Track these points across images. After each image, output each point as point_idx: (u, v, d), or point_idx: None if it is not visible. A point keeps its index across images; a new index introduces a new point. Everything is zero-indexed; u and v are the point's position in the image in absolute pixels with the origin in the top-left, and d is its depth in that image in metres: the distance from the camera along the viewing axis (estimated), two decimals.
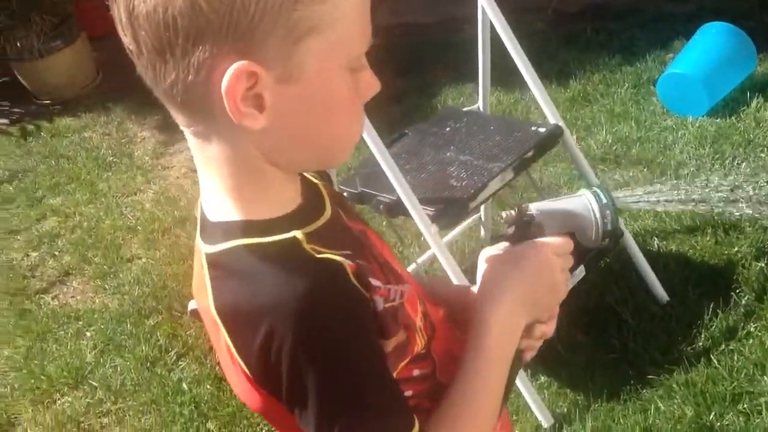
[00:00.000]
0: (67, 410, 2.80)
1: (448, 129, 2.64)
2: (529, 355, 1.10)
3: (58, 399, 2.89)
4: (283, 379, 0.82)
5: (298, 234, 0.86)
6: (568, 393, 2.41)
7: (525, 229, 1.05)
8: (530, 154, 2.41)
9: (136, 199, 3.93)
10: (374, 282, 0.89)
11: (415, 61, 4.44)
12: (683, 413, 2.28)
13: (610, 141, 3.50)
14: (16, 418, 2.86)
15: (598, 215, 1.03)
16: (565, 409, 2.36)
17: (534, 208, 1.04)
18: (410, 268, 2.81)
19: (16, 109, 5.19)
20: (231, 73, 0.78)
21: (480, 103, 2.79)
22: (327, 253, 0.86)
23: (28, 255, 3.78)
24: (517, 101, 3.91)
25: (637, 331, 2.53)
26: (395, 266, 1.01)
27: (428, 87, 4.20)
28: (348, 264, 0.85)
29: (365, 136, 2.18)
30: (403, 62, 4.36)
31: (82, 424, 2.75)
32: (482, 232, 3.11)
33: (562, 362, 2.47)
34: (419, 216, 2.20)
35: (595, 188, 1.03)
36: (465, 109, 2.83)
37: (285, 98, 0.83)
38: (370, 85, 0.90)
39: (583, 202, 1.03)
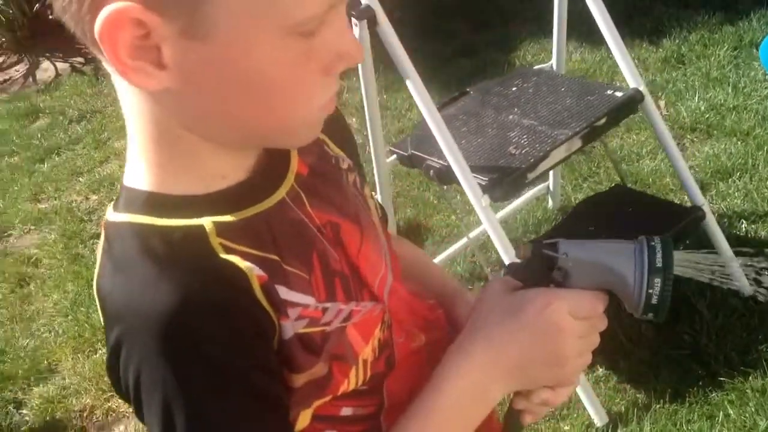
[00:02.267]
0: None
1: (514, 89, 2.39)
2: (528, 420, 0.87)
3: (99, 349, 2.81)
4: (127, 390, 0.67)
5: (207, 223, 0.68)
6: (627, 389, 2.17)
7: (540, 271, 0.78)
8: (603, 121, 2.15)
9: None
10: (297, 298, 0.70)
11: (494, 12, 4.14)
12: (755, 424, 2.01)
13: (702, 108, 3.16)
14: (56, 365, 2.80)
15: (644, 281, 0.75)
16: (623, 408, 2.12)
17: (565, 247, 0.77)
18: (460, 243, 2.59)
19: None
20: (104, 16, 0.59)
21: (554, 61, 2.52)
22: (238, 253, 0.67)
23: (87, 198, 3.72)
24: (603, 60, 3.58)
25: (713, 326, 2.25)
26: (370, 277, 0.81)
27: (506, 41, 3.91)
28: (256, 274, 0.67)
29: (414, 94, 1.97)
30: (480, 13, 4.08)
31: None
32: (550, 203, 2.86)
33: (624, 354, 2.23)
34: (469, 185, 1.98)
35: (651, 240, 0.76)
36: (536, 67, 2.57)
37: (193, 58, 0.63)
38: (340, 53, 0.68)
39: (635, 256, 0.76)
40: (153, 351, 0.64)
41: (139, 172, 0.72)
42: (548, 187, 2.81)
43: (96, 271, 0.71)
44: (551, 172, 2.77)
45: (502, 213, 2.70)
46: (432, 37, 4.16)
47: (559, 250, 0.77)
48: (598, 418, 2.08)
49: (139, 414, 0.69)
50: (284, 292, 0.70)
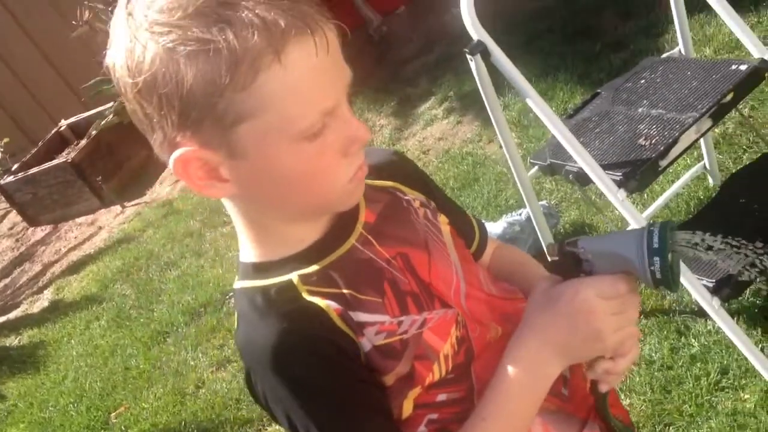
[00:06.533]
0: None
1: (642, 81, 2.48)
2: (603, 387, 1.05)
3: None
4: (265, 406, 0.94)
5: (294, 277, 0.93)
6: None
7: (571, 265, 0.95)
8: (729, 97, 2.19)
9: None
10: (372, 318, 0.93)
11: (639, 1, 4.17)
12: None
13: None
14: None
15: (644, 260, 0.89)
16: None
17: (583, 243, 0.94)
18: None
19: None
20: (173, 160, 0.87)
21: (680, 46, 2.58)
22: (319, 294, 0.92)
23: None
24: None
25: None
26: (442, 288, 1.02)
27: (653, 27, 3.92)
28: (333, 308, 0.91)
29: (536, 110, 2.13)
30: (624, 4, 4.13)
31: None
32: (710, 181, 2.88)
33: None
34: (603, 183, 2.11)
35: (652, 225, 0.90)
36: (664, 55, 2.64)
37: (241, 171, 0.89)
38: (350, 138, 0.91)
39: (636, 242, 0.90)
40: (267, 378, 0.91)
41: (246, 249, 0.99)
42: (704, 165, 2.84)
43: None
44: (705, 151, 2.81)
45: (661, 199, 2.76)
46: (580, 38, 4.25)
47: (578, 245, 0.94)
48: None
49: (275, 420, 0.96)
50: (360, 316, 0.94)
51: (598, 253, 0.94)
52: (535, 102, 2.13)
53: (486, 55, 2.13)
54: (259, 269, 0.97)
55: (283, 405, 0.91)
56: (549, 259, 0.98)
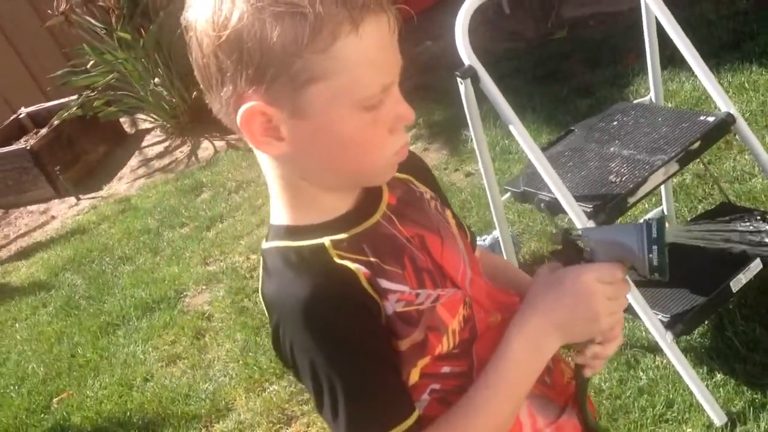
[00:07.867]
0: (274, 397, 3.10)
1: (615, 123, 2.62)
2: (587, 372, 1.14)
3: (267, 387, 3.19)
4: (288, 360, 1.00)
5: (326, 241, 1.01)
6: (745, 391, 2.31)
7: (572, 253, 1.05)
8: (696, 145, 2.34)
9: None
10: (394, 287, 1.01)
11: (607, 51, 4.36)
12: None
13: None
14: (232, 403, 3.20)
15: (644, 248, 1.00)
16: (741, 408, 2.27)
17: (585, 233, 1.05)
18: None
19: None
20: (242, 112, 0.95)
21: (652, 94, 2.73)
22: (348, 259, 0.99)
23: (248, 258, 4.18)
24: None
25: None
26: (452, 271, 1.10)
27: (619, 77, 4.12)
28: (362, 271, 0.99)
29: (518, 137, 2.24)
30: (593, 53, 4.32)
31: (286, 410, 3.03)
32: (667, 226, 3.03)
33: (740, 359, 2.38)
34: (574, 213, 2.23)
35: (650, 220, 1.01)
36: (636, 101, 2.79)
37: (300, 131, 0.96)
38: (399, 116, 1.00)
39: (637, 232, 1.01)
40: (297, 329, 0.97)
41: (279, 212, 1.06)
42: (662, 211, 2.98)
43: (259, 283, 1.06)
44: (664, 197, 2.96)
45: None
46: (549, 81, 4.43)
47: (582, 234, 1.04)
48: (717, 418, 2.24)
49: (296, 374, 1.02)
50: (384, 283, 1.01)
51: (599, 242, 1.04)
52: (517, 129, 2.24)
53: (475, 80, 2.24)
54: (292, 232, 1.04)
55: (308, 354, 0.97)
56: (551, 247, 1.07)
